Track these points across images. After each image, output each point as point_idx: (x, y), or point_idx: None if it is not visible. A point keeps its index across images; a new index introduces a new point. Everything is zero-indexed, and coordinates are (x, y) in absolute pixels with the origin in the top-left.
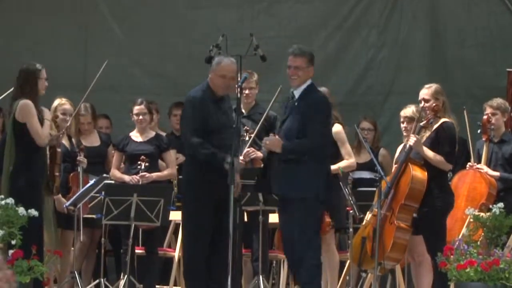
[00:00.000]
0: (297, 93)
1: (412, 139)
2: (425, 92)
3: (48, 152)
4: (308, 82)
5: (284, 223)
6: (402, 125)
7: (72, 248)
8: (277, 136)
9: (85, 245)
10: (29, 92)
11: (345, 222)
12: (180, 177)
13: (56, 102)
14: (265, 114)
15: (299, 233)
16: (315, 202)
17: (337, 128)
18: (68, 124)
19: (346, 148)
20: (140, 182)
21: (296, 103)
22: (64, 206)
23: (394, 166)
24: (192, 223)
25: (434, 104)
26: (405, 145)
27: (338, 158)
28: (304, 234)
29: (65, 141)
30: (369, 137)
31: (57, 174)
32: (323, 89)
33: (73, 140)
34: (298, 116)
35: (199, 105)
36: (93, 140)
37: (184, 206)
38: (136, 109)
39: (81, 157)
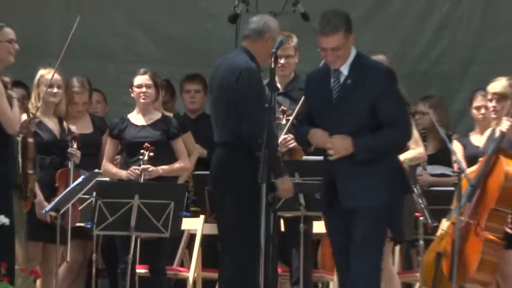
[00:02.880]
0: (344, 70)
1: (505, 124)
2: None
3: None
4: (353, 52)
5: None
6: (490, 104)
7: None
8: (343, 135)
9: (76, 262)
10: None
11: (413, 233)
12: (196, 172)
13: (39, 73)
14: None
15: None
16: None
17: None
18: (57, 100)
19: None
20: (142, 179)
21: (348, 81)
22: (44, 211)
23: (480, 160)
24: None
25: None
26: (494, 132)
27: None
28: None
29: (53, 125)
30: (423, 123)
31: (30, 172)
32: (380, 57)
33: (65, 124)
34: (358, 96)
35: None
36: (83, 126)
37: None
38: (138, 79)
39: (73, 149)
